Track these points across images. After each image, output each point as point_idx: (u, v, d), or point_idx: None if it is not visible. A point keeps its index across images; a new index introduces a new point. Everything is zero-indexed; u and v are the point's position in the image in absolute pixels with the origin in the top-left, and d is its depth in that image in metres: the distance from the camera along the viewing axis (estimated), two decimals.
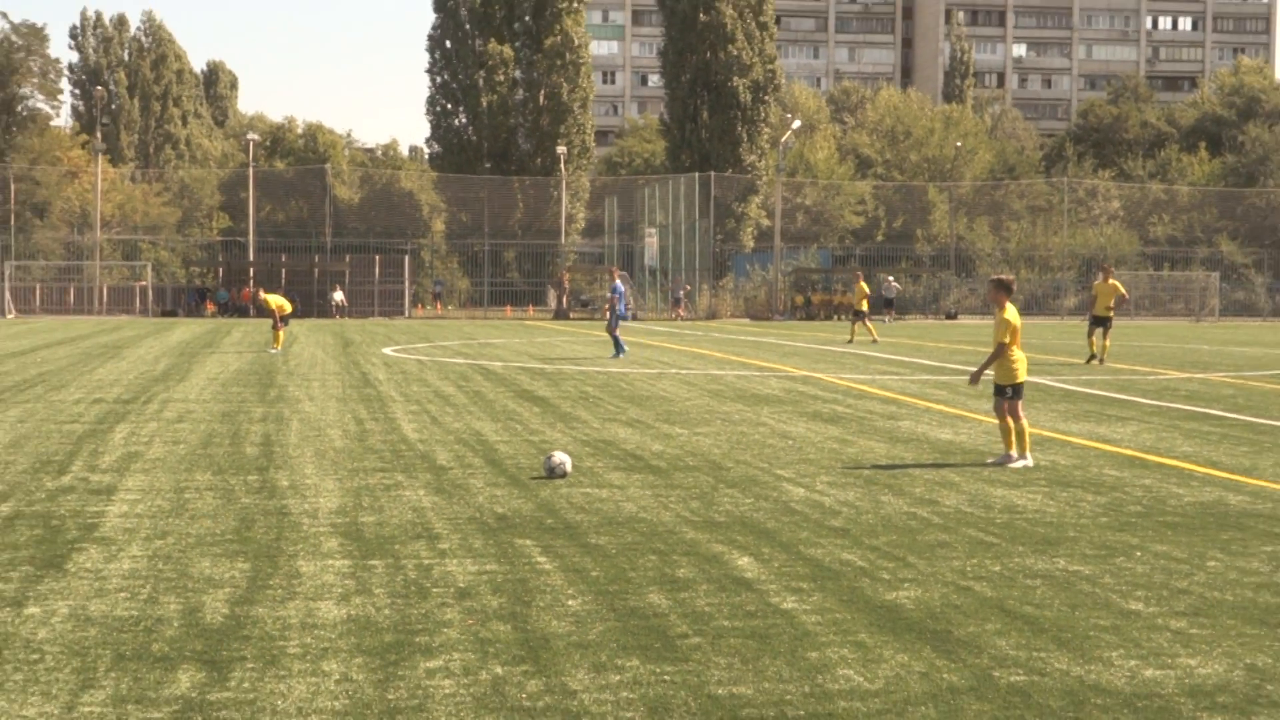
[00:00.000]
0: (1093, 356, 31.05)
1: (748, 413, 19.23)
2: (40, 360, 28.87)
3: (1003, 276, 14.91)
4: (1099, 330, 31.20)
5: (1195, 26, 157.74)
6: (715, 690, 6.40)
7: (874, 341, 40.61)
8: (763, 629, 7.50)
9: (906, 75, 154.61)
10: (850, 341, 41.18)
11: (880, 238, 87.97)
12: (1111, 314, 31.51)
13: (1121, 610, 8.01)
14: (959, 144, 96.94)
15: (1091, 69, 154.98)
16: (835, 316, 66.74)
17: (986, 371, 14.60)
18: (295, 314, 61.48)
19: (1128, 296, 34.24)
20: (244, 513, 10.85)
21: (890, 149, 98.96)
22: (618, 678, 6.58)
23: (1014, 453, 14.02)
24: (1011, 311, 14.20)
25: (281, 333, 33.80)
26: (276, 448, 14.81)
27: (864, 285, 44.07)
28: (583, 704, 6.19)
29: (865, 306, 42.84)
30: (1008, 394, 14.07)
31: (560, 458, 13.01)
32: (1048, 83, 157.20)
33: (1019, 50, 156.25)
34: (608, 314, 33.51)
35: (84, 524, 10.31)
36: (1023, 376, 14.23)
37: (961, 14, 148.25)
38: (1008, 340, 14.06)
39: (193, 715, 5.99)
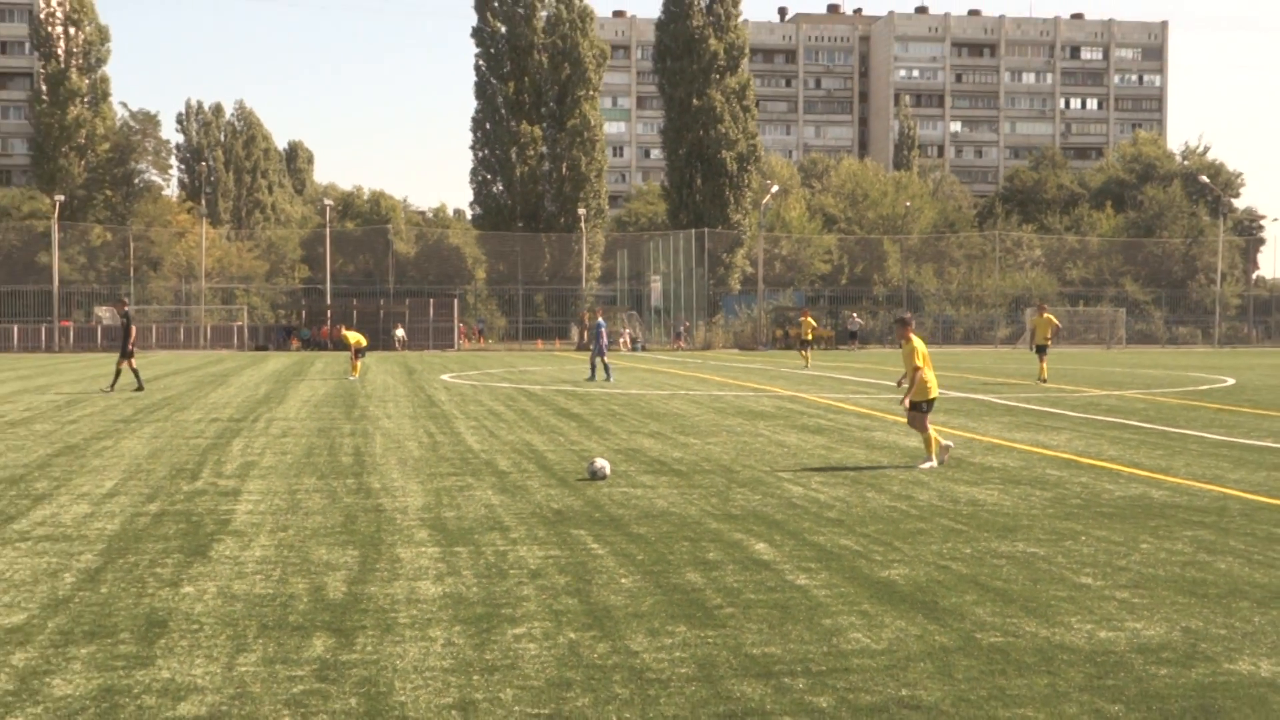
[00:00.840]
0: (1044, 379, 31.20)
1: (748, 426, 19.27)
2: (163, 387, 28.91)
3: (903, 315, 14.96)
4: (1043, 355, 31.60)
5: (1100, 106, 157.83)
6: (751, 650, 6.47)
7: (805, 366, 40.86)
8: (783, 601, 7.56)
9: (863, 148, 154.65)
10: (806, 366, 41.22)
11: (844, 281, 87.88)
12: (1049, 343, 31.72)
13: (1075, 584, 8.06)
14: (908, 204, 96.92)
15: (1015, 142, 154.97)
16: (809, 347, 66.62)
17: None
18: (367, 347, 61.71)
19: (1060, 326, 34.29)
20: (347, 510, 10.91)
21: (851, 208, 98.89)
22: (670, 640, 6.64)
23: (934, 460, 13.97)
24: (917, 341, 14.06)
25: (359, 363, 33.63)
26: (366, 457, 14.86)
27: (809, 320, 44.62)
28: (644, 662, 6.25)
29: (810, 336, 43.45)
30: (923, 408, 13.99)
31: (601, 463, 13.07)
32: (979, 153, 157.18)
33: (955, 127, 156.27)
34: (591, 346, 33.52)
35: (219, 520, 10.37)
36: (934, 394, 14.13)
37: (908, 97, 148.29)
38: (920, 365, 13.90)
39: (329, 673, 6.06)
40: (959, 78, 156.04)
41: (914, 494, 11.94)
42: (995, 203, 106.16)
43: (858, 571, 8.40)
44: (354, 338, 33.29)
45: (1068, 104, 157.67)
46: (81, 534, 9.68)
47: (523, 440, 16.87)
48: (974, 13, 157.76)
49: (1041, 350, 31.67)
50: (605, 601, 7.50)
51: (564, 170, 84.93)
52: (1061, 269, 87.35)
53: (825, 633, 6.82)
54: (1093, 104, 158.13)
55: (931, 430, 14.14)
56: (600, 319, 33.19)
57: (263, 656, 6.31)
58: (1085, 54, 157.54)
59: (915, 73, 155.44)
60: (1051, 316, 32.37)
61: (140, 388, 27.28)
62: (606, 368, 32.04)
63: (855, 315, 73.92)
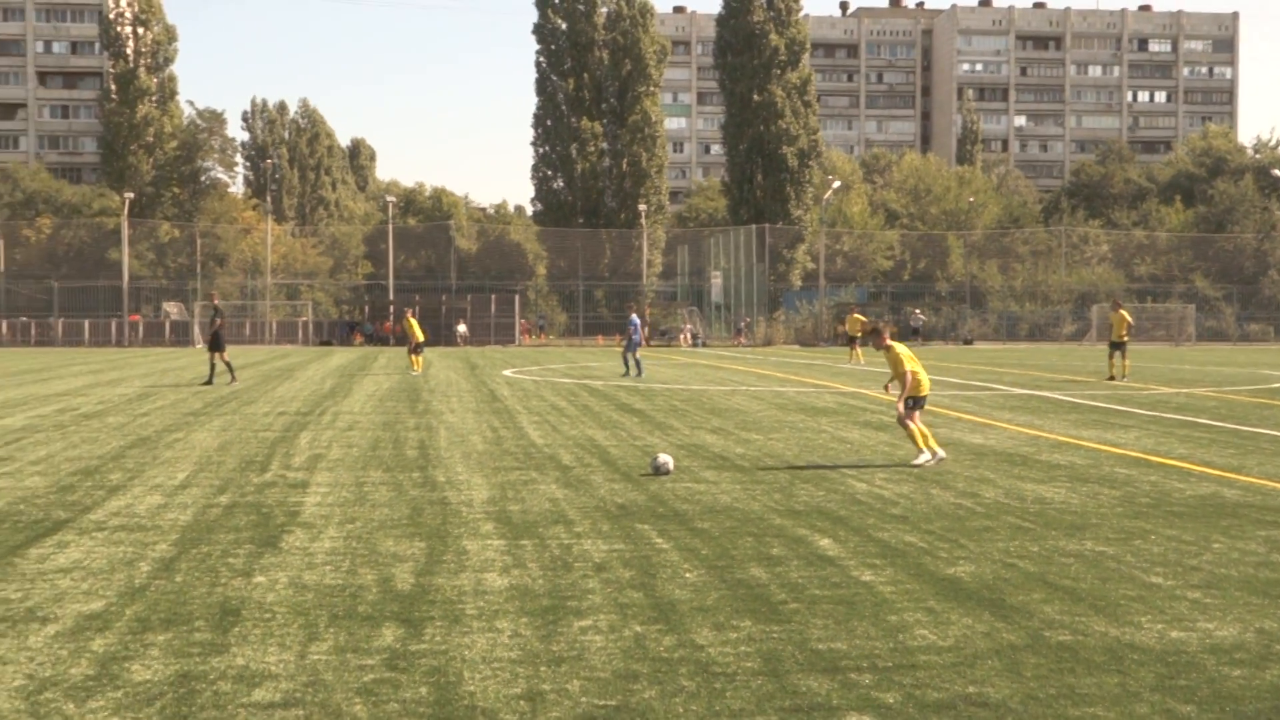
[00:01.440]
0: (1112, 376, 30.73)
1: (810, 422, 19.22)
2: (224, 380, 29.25)
3: (876, 323, 14.74)
4: (1117, 353, 30.98)
5: (1169, 99, 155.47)
6: (816, 645, 6.47)
7: (858, 364, 40.36)
8: (848, 596, 7.55)
9: (925, 143, 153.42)
10: (858, 363, 40.85)
11: (906, 277, 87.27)
12: (1125, 339, 31.17)
13: (1145, 583, 7.98)
14: (971, 199, 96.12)
15: (1081, 135, 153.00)
16: (870, 342, 66.26)
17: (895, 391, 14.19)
18: (428, 343, 62.15)
19: (1133, 323, 33.71)
20: (414, 503, 11.02)
21: (913, 204, 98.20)
22: (735, 635, 6.66)
23: (926, 452, 13.67)
24: (898, 347, 13.73)
25: (419, 358, 33.70)
26: (431, 450, 15.00)
27: (857, 316, 44.24)
28: (710, 656, 6.28)
29: (860, 333, 43.03)
30: (911, 404, 13.69)
31: (664, 458, 13.10)
32: (1044, 147, 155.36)
33: (1020, 121, 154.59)
34: (624, 342, 33.26)
35: (288, 511, 10.52)
36: (925, 391, 13.83)
37: (971, 91, 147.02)
38: (909, 368, 13.61)
39: (398, 662, 6.14)
40: (1023, 71, 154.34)
41: (980, 491, 11.87)
42: (1061, 198, 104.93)
43: (923, 568, 8.37)
44: (416, 325, 33.40)
45: (1135, 97, 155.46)
46: (156, 524, 9.87)
47: (585, 435, 16.94)
48: (1039, 5, 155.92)
49: (1116, 347, 31.13)
50: (670, 595, 7.54)
51: (624, 166, 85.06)
52: (1129, 265, 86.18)
53: (891, 629, 6.81)
54: (1161, 97, 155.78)
55: (917, 425, 13.74)
56: (634, 315, 32.99)
57: (334, 645, 6.41)
58: (1153, 46, 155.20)
59: (979, 66, 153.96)
60: (1125, 313, 31.87)
61: (209, 381, 27.72)
62: (638, 363, 32.04)
63: (918, 311, 73.38)
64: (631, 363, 32.24)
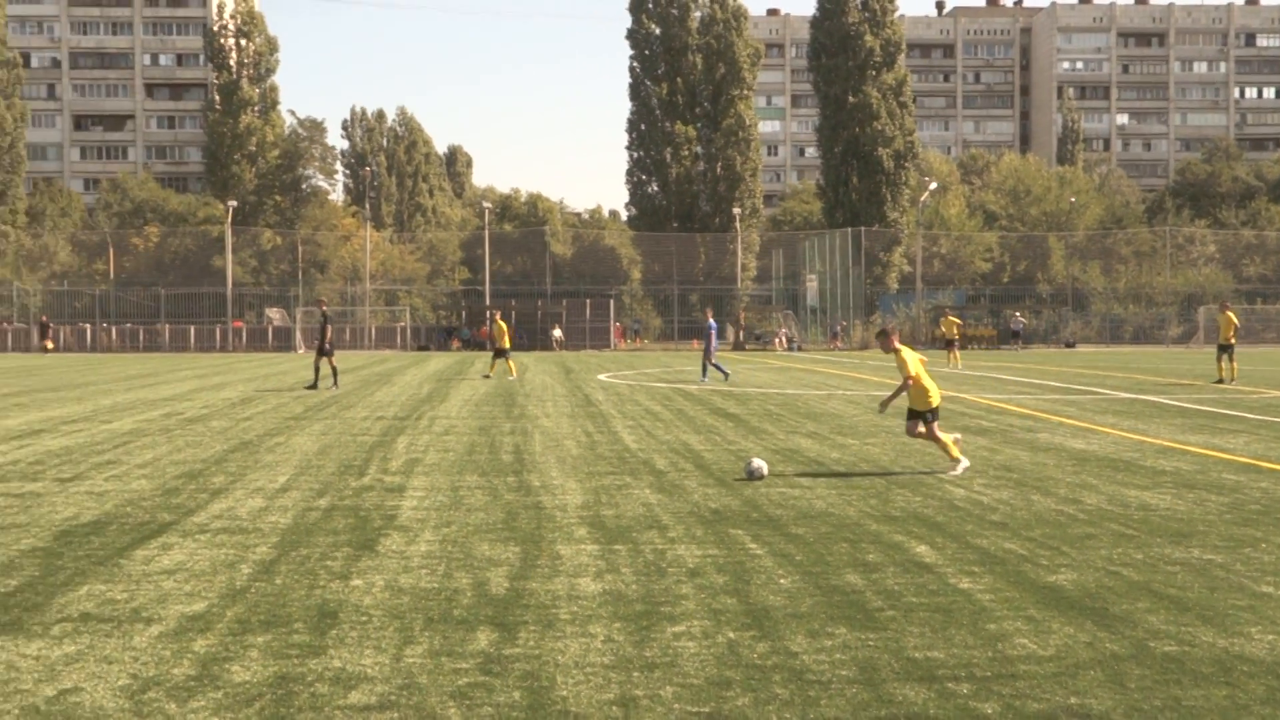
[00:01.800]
0: (1220, 379, 29.97)
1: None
2: (325, 384, 29.65)
3: (884, 327, 14.41)
4: (1225, 356, 30.19)
5: (1278, 95, 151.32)
6: (913, 654, 6.38)
7: (955, 367, 39.67)
8: (945, 604, 7.43)
9: (1024, 143, 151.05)
10: (956, 366, 40.23)
11: (1006, 279, 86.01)
12: (1233, 341, 30.37)
13: (1255, 593, 7.74)
14: (1072, 199, 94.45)
15: (1186, 134, 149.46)
16: (969, 346, 65.41)
17: (897, 402, 13.84)
18: (523, 347, 62.63)
19: (1240, 325, 32.76)
20: (508, 507, 11.08)
21: (1012, 205, 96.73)
22: (830, 642, 6.59)
23: (964, 460, 13.33)
24: (905, 352, 13.38)
25: (510, 363, 33.50)
26: (526, 455, 15.08)
27: (952, 319, 43.63)
28: (804, 663, 6.21)
29: (956, 335, 42.52)
30: (926, 418, 13.25)
31: (758, 463, 13.02)
32: (1148, 146, 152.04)
33: (1122, 119, 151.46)
34: (704, 346, 32.87)
35: (385, 515, 10.63)
36: (936, 402, 13.38)
37: (1072, 90, 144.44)
38: (914, 373, 13.24)
39: (492, 666, 6.17)
40: (1126, 68, 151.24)
41: (1081, 498, 11.62)
42: (1165, 197, 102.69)
43: (1023, 576, 8.21)
44: (505, 328, 33.55)
45: (1243, 93, 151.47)
46: (256, 527, 10.04)
47: (679, 440, 16.92)
48: (1141, 1, 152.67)
49: (1224, 349, 30.31)
50: (764, 601, 7.48)
51: (718, 170, 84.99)
52: (1237, 265, 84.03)
53: (990, 638, 6.69)
54: (1270, 93, 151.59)
55: (944, 435, 13.41)
56: (711, 320, 32.69)
57: (429, 649, 6.46)
58: (1261, 41, 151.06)
59: (1079, 64, 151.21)
60: (1233, 314, 31.04)
61: (313, 386, 28.21)
62: (719, 367, 31.83)
63: (1018, 314, 72.25)
64: (710, 368, 31.93)
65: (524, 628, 6.88)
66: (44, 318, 70.84)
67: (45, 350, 65.55)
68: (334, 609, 7.29)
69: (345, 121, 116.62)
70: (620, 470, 13.65)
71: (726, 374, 31.80)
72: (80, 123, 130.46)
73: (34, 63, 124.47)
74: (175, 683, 5.90)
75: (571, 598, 7.59)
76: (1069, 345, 70.61)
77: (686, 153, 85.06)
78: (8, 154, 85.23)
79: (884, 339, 13.89)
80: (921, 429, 13.41)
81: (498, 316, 35.68)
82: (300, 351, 64.05)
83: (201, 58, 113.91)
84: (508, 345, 33.66)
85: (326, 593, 7.70)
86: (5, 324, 71.73)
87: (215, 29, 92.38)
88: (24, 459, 14.74)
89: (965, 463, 13.42)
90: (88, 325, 71.02)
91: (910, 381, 13.30)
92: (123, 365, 45.84)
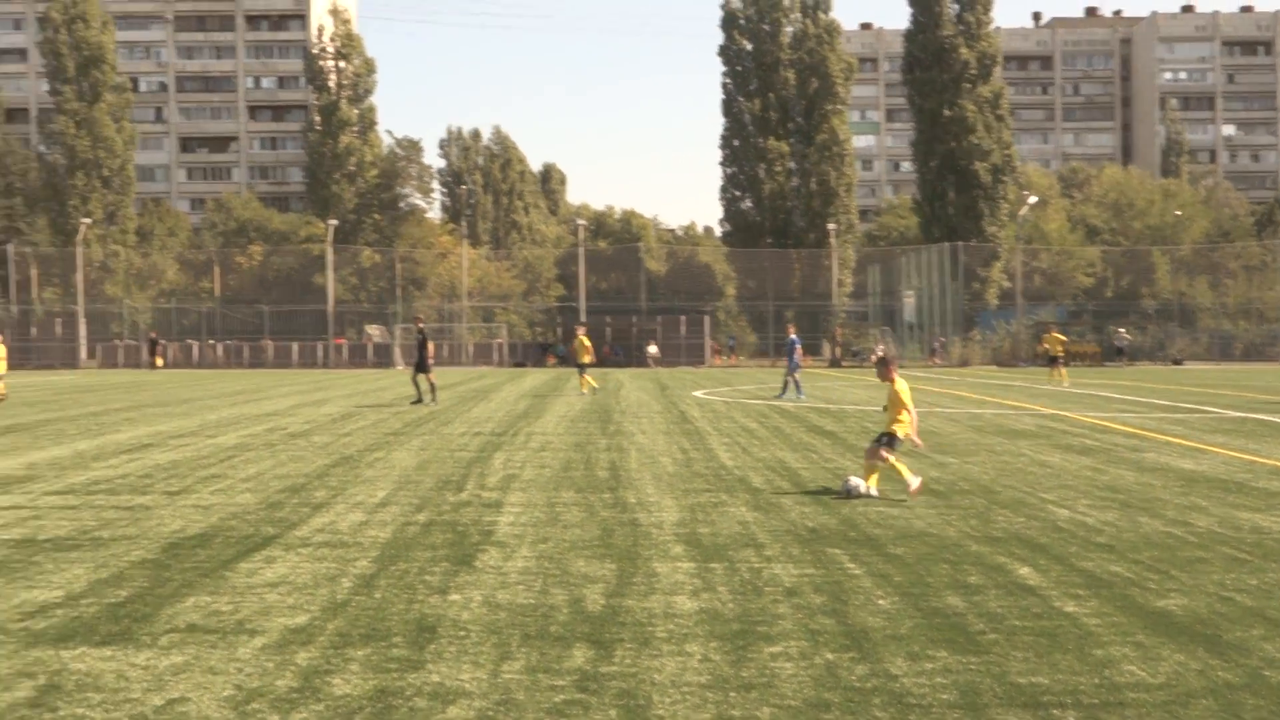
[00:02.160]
0: None
1: (1008, 445, 18.67)
2: (430, 402, 29.94)
3: (885, 356, 13.85)
4: None
5: None
6: (1016, 679, 6.24)
7: (1059, 385, 38.83)
8: (1050, 629, 7.27)
9: (1126, 155, 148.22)
10: (1060, 384, 39.47)
11: (1109, 294, 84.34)
12: None
13: None
14: (1177, 212, 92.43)
15: None
16: (1071, 363, 64.22)
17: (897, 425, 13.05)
18: (618, 364, 62.82)
19: None
20: (604, 524, 11.09)
21: (1115, 218, 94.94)
22: (930, 665, 6.48)
23: (869, 484, 12.79)
24: (899, 383, 12.88)
25: (588, 377, 33.52)
26: (621, 472, 15.09)
27: (1056, 335, 42.97)
28: (904, 686, 6.12)
29: (1061, 352, 41.79)
30: (890, 442, 12.78)
31: (855, 481, 12.89)
32: (1255, 157, 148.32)
33: (1228, 130, 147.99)
34: (787, 362, 32.50)
35: (483, 530, 10.70)
36: (901, 432, 12.78)
37: (1175, 101, 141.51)
38: (907, 403, 12.75)
39: (589, 684, 6.16)
40: (1231, 78, 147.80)
41: (1191, 520, 11.32)
42: (1275, 209, 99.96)
43: (1130, 600, 8.01)
44: (587, 344, 33.68)
45: None
46: (357, 541, 10.17)
47: (775, 457, 16.81)
48: (1246, 9, 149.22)
49: None
50: (863, 623, 7.38)
51: (813, 185, 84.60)
52: None
53: (1097, 663, 6.53)
54: None
55: (892, 460, 12.76)
56: (793, 335, 32.33)
57: (526, 665, 6.48)
58: None
59: (1182, 74, 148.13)
60: None
61: (419, 400, 28.59)
62: (797, 384, 31.51)
63: (1123, 331, 70.79)
64: (792, 385, 31.66)
65: (620, 645, 6.87)
66: (153, 334, 72.73)
67: (155, 366, 67.27)
68: (432, 624, 7.34)
69: (442, 140, 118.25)
70: (716, 487, 13.60)
71: (801, 393, 31.46)
72: (186, 145, 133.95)
73: (142, 87, 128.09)
74: (278, 694, 5.98)
75: (668, 616, 7.56)
76: (1176, 362, 69.01)
77: (780, 168, 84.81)
78: (118, 176, 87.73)
79: (884, 368, 13.26)
80: (878, 449, 12.92)
81: (580, 333, 35.65)
82: (399, 368, 64.88)
83: (301, 80, 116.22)
84: (589, 360, 33.82)
85: (425, 607, 7.77)
86: (117, 340, 73.75)
87: (315, 51, 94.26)
88: (133, 472, 15.11)
89: (875, 493, 12.78)
90: (194, 342, 72.73)
91: (909, 413, 12.85)
92: (228, 381, 46.83)
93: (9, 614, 7.65)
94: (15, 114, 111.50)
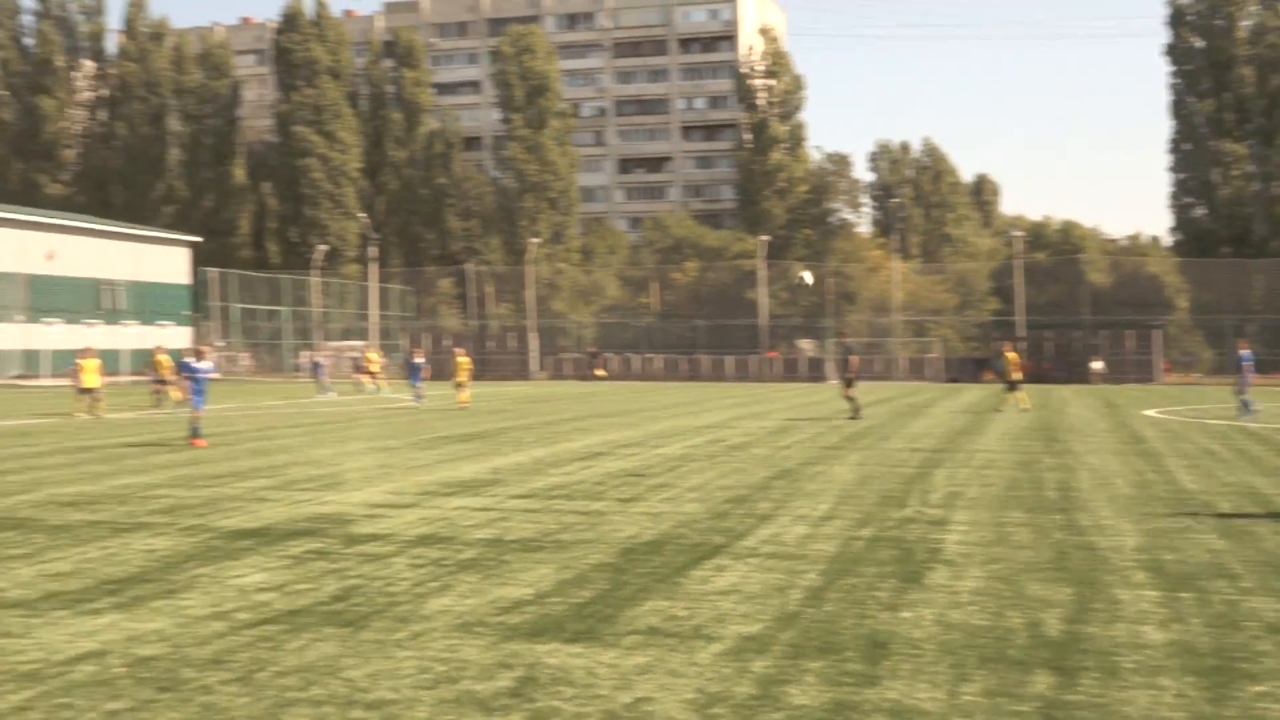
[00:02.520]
0: None
1: None
2: (866, 416, 29.83)
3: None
4: None
5: None
6: None
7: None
8: None
9: None
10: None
11: None
12: None
13: None
14: None
15: None
16: None
17: None
18: (1059, 380, 60.40)
19: None
20: (1057, 546, 10.69)
21: None
22: None
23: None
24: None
25: (1019, 394, 33.01)
26: (1072, 492, 14.49)
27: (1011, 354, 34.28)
28: None
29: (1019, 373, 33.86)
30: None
31: None
32: None
33: None
34: (1238, 379, 29.53)
35: (929, 548, 10.58)
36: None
37: None
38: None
39: (1054, 713, 5.96)
40: None
41: None
42: None
43: None
44: (1017, 362, 32.87)
45: None
46: (803, 553, 10.32)
47: (1244, 482, 15.61)
48: None
49: None
50: None
51: (1274, 190, 77.87)
52: None
53: None
54: None
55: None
56: (1245, 350, 29.61)
57: (984, 689, 6.35)
58: None
59: None
60: None
61: (855, 415, 28.75)
62: (1245, 404, 28.75)
63: None
64: (1239, 403, 29.08)
65: (1084, 674, 6.61)
66: (592, 348, 76.99)
67: (596, 378, 71.19)
68: (885, 639, 7.34)
69: (871, 154, 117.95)
70: (1178, 512, 12.79)
71: (1252, 412, 28.82)
72: (624, 166, 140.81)
73: (583, 112, 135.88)
74: (738, 700, 6.17)
75: (1135, 646, 7.20)
76: None
77: (1237, 172, 78.67)
78: (563, 197, 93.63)
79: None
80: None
81: (1005, 349, 34.74)
82: (832, 383, 65.27)
83: (732, 99, 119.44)
84: (1018, 377, 32.88)
85: (876, 623, 7.77)
86: (563, 353, 78.67)
87: (745, 71, 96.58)
88: (588, 479, 16.04)
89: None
90: (633, 355, 76.33)
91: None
92: (666, 393, 48.78)
93: (487, 609, 8.31)
94: (471, 142, 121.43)
